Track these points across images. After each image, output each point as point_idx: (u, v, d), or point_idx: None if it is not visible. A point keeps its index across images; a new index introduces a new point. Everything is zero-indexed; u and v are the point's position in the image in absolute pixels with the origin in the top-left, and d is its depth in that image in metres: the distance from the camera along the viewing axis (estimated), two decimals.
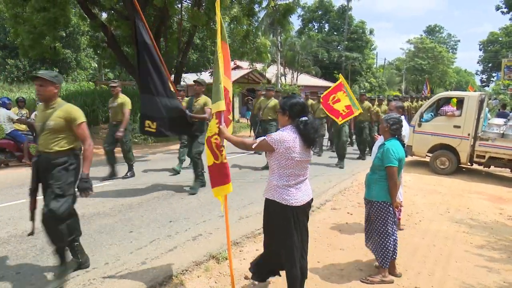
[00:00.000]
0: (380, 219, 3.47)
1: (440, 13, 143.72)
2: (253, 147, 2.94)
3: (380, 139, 4.88)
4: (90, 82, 23.77)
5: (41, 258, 3.73)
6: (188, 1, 16.43)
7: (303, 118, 2.75)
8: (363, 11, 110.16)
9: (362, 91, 31.62)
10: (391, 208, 3.45)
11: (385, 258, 3.49)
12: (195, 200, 5.94)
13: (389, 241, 3.48)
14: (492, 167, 8.92)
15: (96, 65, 29.92)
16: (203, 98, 6.33)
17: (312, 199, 2.97)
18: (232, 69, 27.43)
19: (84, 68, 27.95)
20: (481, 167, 9.04)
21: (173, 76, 16.98)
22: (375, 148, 4.92)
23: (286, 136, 2.71)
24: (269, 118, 8.47)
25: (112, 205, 5.46)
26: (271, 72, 27.66)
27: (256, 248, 4.26)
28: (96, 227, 4.59)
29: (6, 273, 3.39)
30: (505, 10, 32.93)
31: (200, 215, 5.19)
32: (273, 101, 8.47)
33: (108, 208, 5.32)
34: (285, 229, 2.83)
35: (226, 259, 3.90)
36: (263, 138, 2.84)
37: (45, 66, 24.71)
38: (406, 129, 4.58)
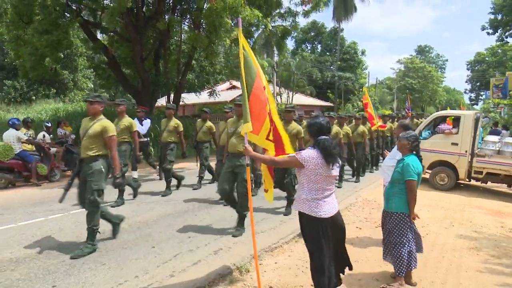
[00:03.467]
0: (397, 230, 3.69)
1: (430, 34, 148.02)
2: (283, 164, 3.17)
3: (390, 155, 5.14)
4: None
5: (72, 272, 3.86)
6: (186, 24, 16.94)
7: (321, 137, 3.00)
8: (355, 32, 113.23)
9: (355, 110, 32.21)
10: (408, 220, 3.67)
11: (400, 267, 3.68)
12: (208, 217, 6.11)
13: (403, 250, 3.68)
14: (489, 183, 9.23)
15: (92, 86, 30.22)
16: None
17: (338, 211, 3.20)
18: (227, 89, 27.82)
19: (81, 89, 28.14)
20: (478, 183, 9.35)
21: (172, 95, 17.33)
22: (384, 165, 5.18)
23: (314, 153, 2.95)
24: (168, 140, 7.57)
25: (130, 222, 5.61)
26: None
27: (274, 261, 4.45)
28: (118, 243, 4.74)
29: (42, 286, 3.52)
30: (490, 31, 34.16)
31: (216, 230, 5.37)
32: (174, 121, 7.71)
33: (126, 225, 5.46)
34: (314, 239, 3.04)
35: (249, 271, 4.09)
36: (293, 155, 3.08)
37: (42, 87, 24.89)
38: None
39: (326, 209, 3.03)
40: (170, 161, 7.56)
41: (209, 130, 8.36)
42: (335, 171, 3.08)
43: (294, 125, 6.30)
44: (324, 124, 3.08)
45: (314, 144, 3.03)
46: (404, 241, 3.70)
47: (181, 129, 7.76)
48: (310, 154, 2.94)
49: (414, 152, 3.78)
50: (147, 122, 9.19)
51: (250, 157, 3.50)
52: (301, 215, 3.09)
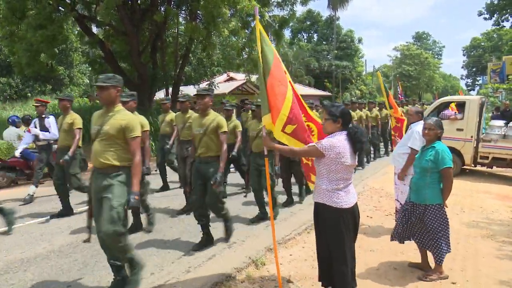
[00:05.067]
0: (438, 220, 3.56)
1: (426, 20, 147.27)
2: (302, 154, 3.09)
3: (401, 143, 5.07)
4: (84, 98, 23.72)
5: (86, 271, 3.80)
6: (183, 15, 16.71)
7: (353, 125, 2.93)
8: (351, 20, 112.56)
9: (353, 98, 32.12)
10: (444, 209, 3.58)
11: (440, 256, 3.58)
12: None
13: (443, 241, 3.57)
14: (494, 167, 9.20)
15: (88, 81, 29.96)
16: None
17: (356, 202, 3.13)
18: (225, 81, 27.60)
19: (77, 84, 27.89)
20: (483, 168, 9.33)
21: (170, 88, 17.15)
22: (395, 152, 5.12)
23: (336, 142, 2.86)
24: (66, 144, 5.58)
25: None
26: None
27: (289, 253, 4.40)
28: (129, 239, 4.66)
29: (57, 286, 3.45)
30: (487, 16, 34.01)
31: None
32: (69, 117, 5.62)
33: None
34: (335, 230, 2.97)
35: (264, 264, 4.04)
36: (312, 144, 2.99)
37: (38, 84, 24.63)
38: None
39: (347, 199, 2.96)
40: (73, 175, 5.62)
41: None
42: (356, 160, 3.02)
43: (213, 116, 4.32)
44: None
45: (344, 132, 2.93)
46: (447, 230, 3.59)
47: (78, 126, 5.57)
48: (331, 143, 2.86)
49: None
50: (51, 121, 6.70)
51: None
52: (321, 206, 3.00)
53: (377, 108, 11.39)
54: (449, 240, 3.64)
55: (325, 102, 9.49)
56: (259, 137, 5.22)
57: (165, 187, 7.55)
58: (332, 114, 2.94)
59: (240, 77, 25.14)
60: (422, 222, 3.66)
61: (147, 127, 4.89)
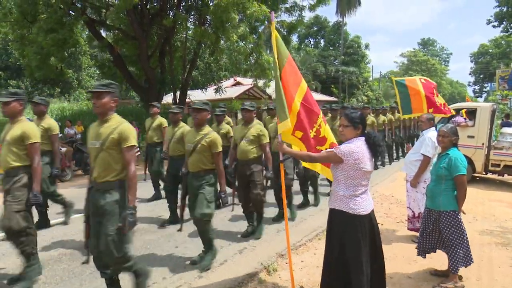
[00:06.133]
0: (453, 227, 3.53)
1: (433, 26, 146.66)
2: (321, 160, 3.07)
3: (413, 149, 5.03)
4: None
5: (97, 274, 3.72)
6: (191, 20, 16.80)
7: (369, 131, 2.91)
8: (358, 25, 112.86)
9: (360, 104, 32.04)
10: (459, 216, 3.55)
11: (456, 264, 3.54)
12: (228, 215, 6.01)
13: (460, 249, 3.52)
14: (505, 175, 9.09)
15: None
16: None
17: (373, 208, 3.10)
18: (232, 85, 27.61)
19: (85, 88, 28.09)
20: (494, 176, 9.22)
21: (178, 92, 17.21)
22: (407, 159, 5.07)
23: (355, 148, 2.84)
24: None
25: (150, 222, 5.53)
26: (273, 88, 27.96)
27: (300, 259, 4.35)
28: (141, 243, 4.67)
29: None
30: (496, 23, 33.83)
31: (238, 229, 5.28)
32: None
33: (146, 225, 5.40)
34: (352, 237, 2.93)
35: (276, 270, 4.00)
36: (330, 150, 2.97)
37: (47, 87, 24.84)
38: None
39: (364, 206, 2.93)
40: None
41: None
42: (373, 166, 3.00)
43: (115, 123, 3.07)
44: None
45: (363, 138, 2.92)
46: (464, 238, 3.54)
47: (34, 140, 3.57)
48: (350, 148, 2.83)
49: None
50: None
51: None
52: (337, 212, 2.96)
53: (373, 114, 11.20)
54: (468, 249, 3.57)
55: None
56: (196, 151, 4.00)
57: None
58: (354, 121, 2.91)
59: (247, 82, 25.20)
60: (438, 230, 3.64)
61: (56, 131, 4.96)
